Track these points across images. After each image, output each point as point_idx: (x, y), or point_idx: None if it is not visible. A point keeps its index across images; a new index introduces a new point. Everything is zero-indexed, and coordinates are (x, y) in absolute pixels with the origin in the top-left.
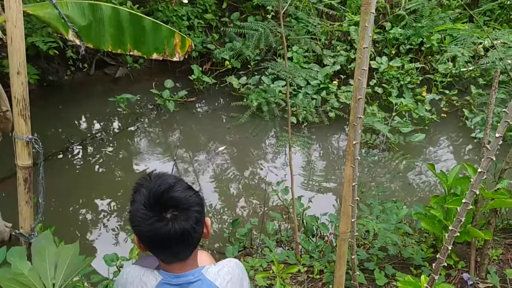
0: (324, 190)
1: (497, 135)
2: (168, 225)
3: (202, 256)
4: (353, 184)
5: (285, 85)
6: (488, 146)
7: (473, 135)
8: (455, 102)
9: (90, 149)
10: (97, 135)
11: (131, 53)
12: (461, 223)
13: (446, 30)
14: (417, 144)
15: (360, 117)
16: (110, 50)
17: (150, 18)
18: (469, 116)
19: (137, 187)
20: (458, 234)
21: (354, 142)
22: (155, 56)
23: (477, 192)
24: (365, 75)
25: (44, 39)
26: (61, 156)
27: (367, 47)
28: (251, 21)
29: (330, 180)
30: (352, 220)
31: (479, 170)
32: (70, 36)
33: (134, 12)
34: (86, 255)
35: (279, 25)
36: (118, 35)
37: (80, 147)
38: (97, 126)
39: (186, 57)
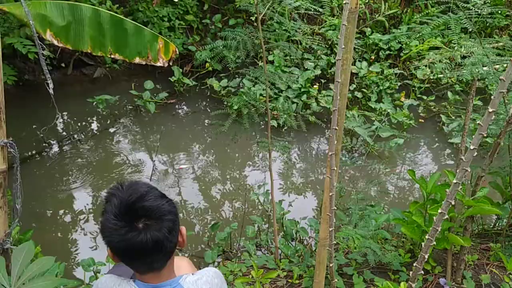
0: (303, 194)
1: (471, 147)
2: (141, 235)
3: (182, 263)
4: (331, 194)
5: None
6: (463, 157)
7: (450, 140)
8: (432, 107)
9: (67, 150)
10: (74, 136)
11: (112, 56)
12: (438, 232)
13: (421, 37)
14: (395, 149)
15: (336, 129)
16: (89, 51)
17: (132, 22)
18: (446, 121)
19: (108, 196)
20: (435, 243)
21: (330, 153)
22: (137, 60)
23: (453, 203)
24: (339, 87)
25: (23, 42)
26: (37, 157)
27: (340, 59)
28: (231, 24)
29: (310, 184)
30: (330, 229)
31: (454, 181)
32: (48, 36)
33: (116, 14)
34: (61, 260)
35: (259, 30)
36: (98, 37)
37: (57, 148)
38: (75, 127)
39: (171, 63)
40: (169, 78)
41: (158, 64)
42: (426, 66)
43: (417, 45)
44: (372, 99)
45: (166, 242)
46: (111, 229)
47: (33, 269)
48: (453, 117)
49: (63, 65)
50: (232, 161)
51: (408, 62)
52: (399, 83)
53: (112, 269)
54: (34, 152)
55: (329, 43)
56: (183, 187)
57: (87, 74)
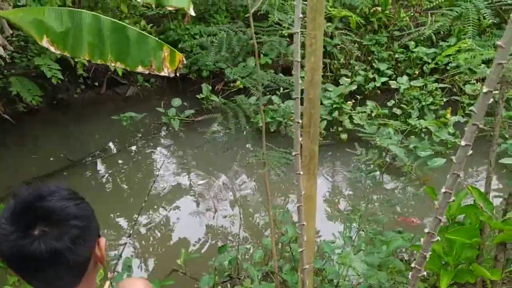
0: (326, 217)
1: None
2: (34, 243)
3: (134, 286)
4: (298, 205)
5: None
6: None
7: (501, 161)
8: (483, 125)
9: (90, 168)
10: (96, 154)
11: (113, 64)
12: (426, 259)
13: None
14: (436, 170)
15: (298, 97)
16: (88, 59)
17: (135, 28)
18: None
19: (9, 199)
20: (425, 273)
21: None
22: (140, 69)
23: (443, 220)
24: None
25: (50, 65)
26: (63, 173)
27: (297, 32)
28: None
29: (336, 206)
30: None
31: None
32: (44, 42)
33: (118, 21)
34: None
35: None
36: (98, 44)
37: (79, 165)
38: (101, 144)
39: (178, 74)
40: (197, 96)
41: (163, 73)
42: (477, 81)
43: (466, 58)
44: (413, 116)
45: (68, 254)
46: (1, 235)
47: None
48: (507, 136)
49: (96, 84)
50: (252, 182)
51: (457, 78)
52: (445, 99)
53: None
54: (58, 168)
55: (369, 59)
56: (194, 205)
57: (119, 93)
